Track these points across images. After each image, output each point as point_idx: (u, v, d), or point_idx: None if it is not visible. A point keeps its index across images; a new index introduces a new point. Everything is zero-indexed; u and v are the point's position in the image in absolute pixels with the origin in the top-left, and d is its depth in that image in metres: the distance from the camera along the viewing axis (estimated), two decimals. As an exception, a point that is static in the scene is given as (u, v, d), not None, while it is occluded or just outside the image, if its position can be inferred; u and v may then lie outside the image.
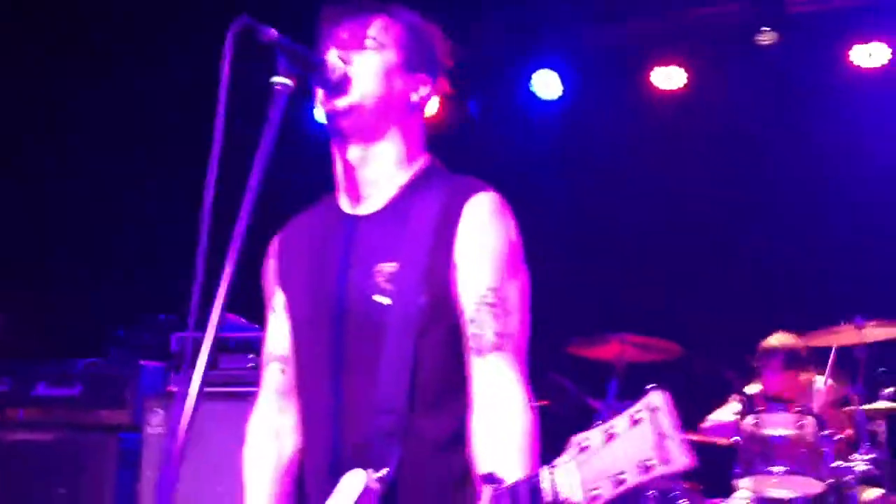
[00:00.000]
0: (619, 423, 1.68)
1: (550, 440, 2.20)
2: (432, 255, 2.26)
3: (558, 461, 1.75)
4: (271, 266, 2.54)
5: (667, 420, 1.64)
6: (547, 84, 7.53)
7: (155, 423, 5.26)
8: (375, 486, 2.15)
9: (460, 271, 2.27)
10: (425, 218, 2.30)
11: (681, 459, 1.63)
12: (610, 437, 1.68)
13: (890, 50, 6.73)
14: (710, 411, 6.42)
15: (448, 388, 2.27)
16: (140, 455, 5.23)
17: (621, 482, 1.67)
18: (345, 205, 2.43)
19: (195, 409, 1.90)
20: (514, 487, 1.82)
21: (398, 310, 2.24)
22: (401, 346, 2.23)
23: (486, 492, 1.86)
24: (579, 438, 1.73)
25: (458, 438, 2.24)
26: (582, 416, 5.72)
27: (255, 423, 2.55)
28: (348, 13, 2.41)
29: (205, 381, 1.92)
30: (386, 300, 2.25)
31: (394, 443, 2.19)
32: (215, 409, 4.69)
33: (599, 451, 1.70)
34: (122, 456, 5.41)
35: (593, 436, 1.71)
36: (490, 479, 1.88)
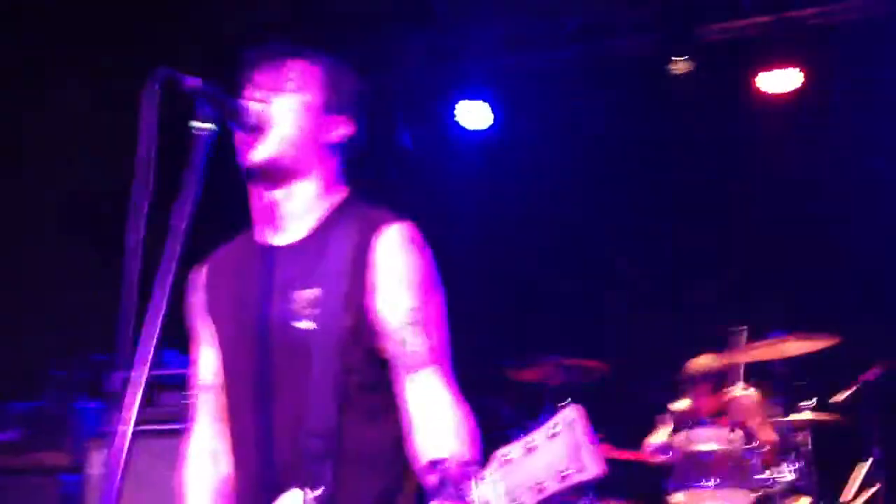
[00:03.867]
0: (538, 436, 1.81)
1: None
2: (351, 280, 2.36)
3: (484, 474, 1.88)
4: (198, 297, 2.63)
5: (581, 432, 1.77)
6: (473, 114, 7.62)
7: (95, 463, 5.24)
8: None
9: (381, 297, 2.37)
10: (343, 247, 2.39)
11: (594, 468, 1.77)
12: (530, 449, 1.81)
13: (799, 77, 6.94)
14: (639, 428, 6.53)
15: (374, 407, 2.37)
16: (81, 496, 5.21)
17: (541, 491, 1.80)
18: (265, 236, 2.52)
19: (130, 446, 1.94)
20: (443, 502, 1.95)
21: (322, 333, 2.33)
22: (327, 368, 2.32)
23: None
24: (502, 452, 1.86)
25: (387, 454, 2.35)
26: (517, 437, 5.81)
27: (191, 448, 2.63)
28: (267, 57, 2.51)
29: (141, 419, 1.97)
30: (310, 325, 2.34)
31: (326, 463, 2.28)
32: (156, 445, 4.70)
33: (521, 464, 1.83)
34: (64, 498, 5.38)
35: (515, 449, 1.84)
36: (433, 464, 2.02)
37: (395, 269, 2.39)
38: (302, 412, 2.32)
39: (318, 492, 2.24)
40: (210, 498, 2.56)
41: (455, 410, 2.33)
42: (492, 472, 1.86)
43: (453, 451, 2.20)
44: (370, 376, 2.37)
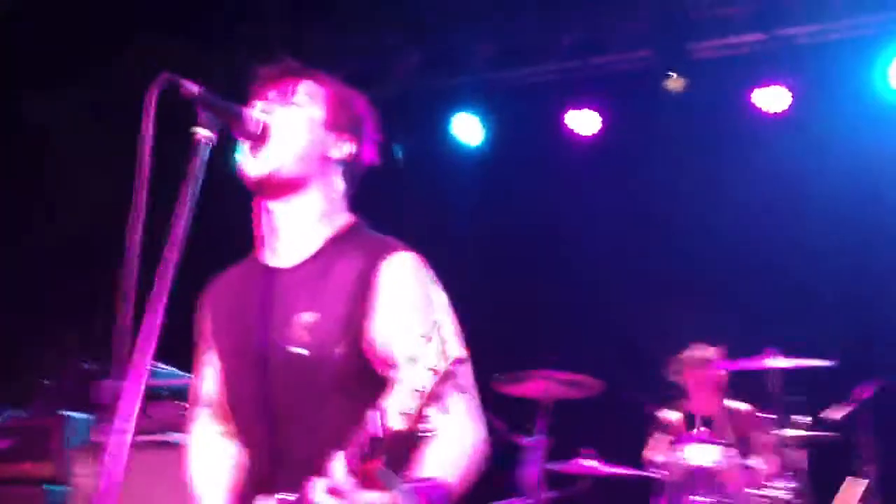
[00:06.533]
0: None
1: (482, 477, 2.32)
2: (351, 307, 2.33)
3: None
4: (204, 321, 2.63)
5: None
6: (468, 129, 7.69)
7: (82, 473, 5.19)
8: None
9: (387, 328, 2.31)
10: (346, 272, 2.37)
11: None
12: None
13: (790, 94, 6.96)
14: (634, 442, 6.47)
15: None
16: (67, 507, 5.17)
17: None
18: (267, 258, 2.52)
19: (123, 458, 1.93)
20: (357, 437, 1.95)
21: (316, 360, 2.32)
22: (319, 396, 2.31)
23: None
24: None
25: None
26: (510, 453, 5.78)
27: (195, 442, 2.64)
28: (278, 75, 2.54)
29: (134, 430, 1.96)
30: (304, 351, 2.33)
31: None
32: (145, 457, 4.66)
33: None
34: (50, 509, 5.33)
35: None
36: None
37: (404, 293, 2.35)
38: (301, 437, 2.33)
39: (292, 497, 2.18)
40: (226, 478, 2.56)
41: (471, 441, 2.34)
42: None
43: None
44: (370, 397, 2.34)
